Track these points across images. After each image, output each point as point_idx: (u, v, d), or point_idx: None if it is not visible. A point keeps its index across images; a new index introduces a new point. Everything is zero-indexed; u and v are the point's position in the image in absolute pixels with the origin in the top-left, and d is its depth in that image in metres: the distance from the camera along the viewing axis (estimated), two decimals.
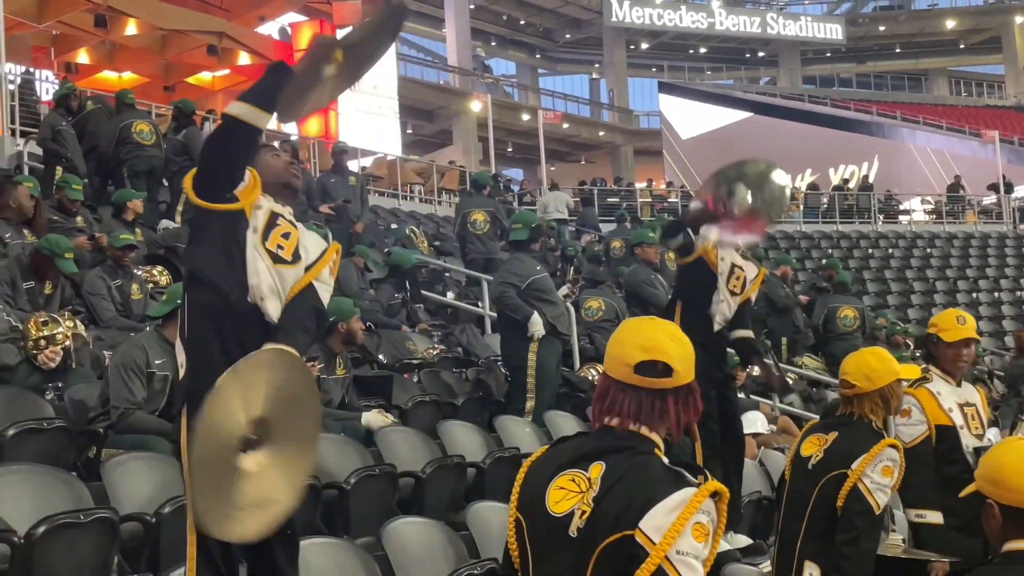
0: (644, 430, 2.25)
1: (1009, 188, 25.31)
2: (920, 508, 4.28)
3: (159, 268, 7.81)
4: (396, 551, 4.26)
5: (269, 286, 3.36)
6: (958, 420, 4.36)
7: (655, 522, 2.09)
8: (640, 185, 26.73)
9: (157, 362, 4.90)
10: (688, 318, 5.37)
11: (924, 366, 4.60)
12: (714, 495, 2.12)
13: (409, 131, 34.73)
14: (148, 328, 5.66)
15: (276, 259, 3.40)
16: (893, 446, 3.80)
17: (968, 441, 4.34)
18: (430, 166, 21.56)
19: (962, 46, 45.80)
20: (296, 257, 3.46)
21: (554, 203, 16.81)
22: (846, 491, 3.72)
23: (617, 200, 22.29)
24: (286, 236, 3.45)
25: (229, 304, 3.30)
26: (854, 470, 3.72)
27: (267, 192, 3.49)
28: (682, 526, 2.07)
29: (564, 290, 10.83)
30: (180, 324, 3.37)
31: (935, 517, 4.23)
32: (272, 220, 3.44)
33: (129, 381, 4.79)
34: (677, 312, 5.63)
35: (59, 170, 9.48)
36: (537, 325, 6.76)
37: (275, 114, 3.39)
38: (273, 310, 3.36)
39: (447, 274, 11.80)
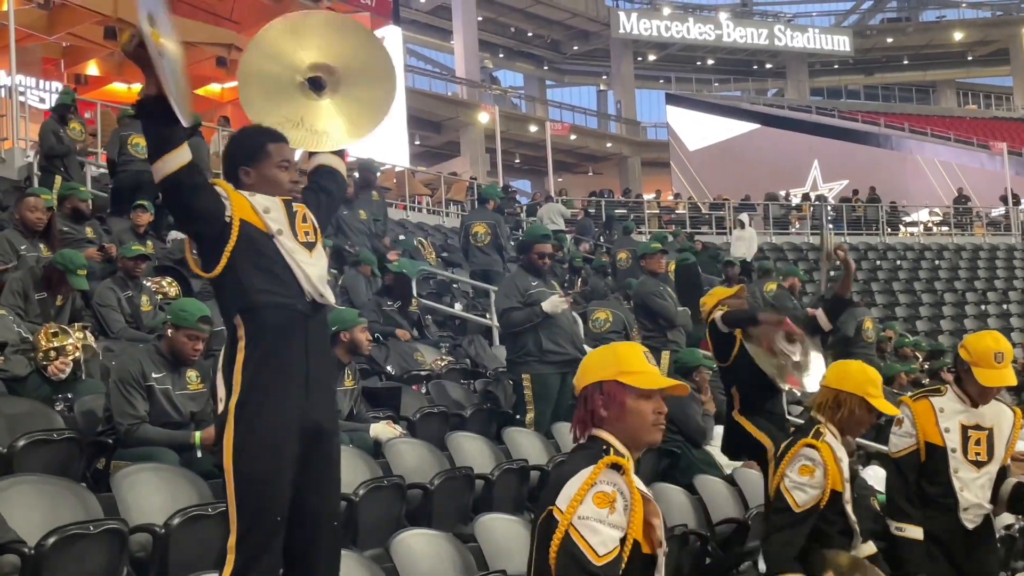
0: (600, 433, 2.58)
1: (1017, 200, 25.28)
2: (899, 521, 4.19)
3: (168, 279, 7.83)
4: (404, 563, 4.25)
5: (319, 276, 3.26)
6: (952, 442, 4.17)
7: (565, 495, 2.39)
8: (648, 196, 26.73)
9: (154, 375, 4.89)
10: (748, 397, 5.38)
11: (938, 378, 4.50)
12: (614, 466, 2.41)
13: (417, 142, 34.81)
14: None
15: (308, 246, 3.28)
16: (811, 445, 3.79)
17: (958, 465, 4.16)
18: (438, 177, 21.61)
19: (970, 58, 45.79)
20: (316, 233, 3.36)
21: (548, 215, 16.87)
22: (773, 490, 3.86)
23: (625, 212, 22.30)
24: (305, 219, 3.32)
25: (292, 317, 3.19)
26: (778, 471, 3.84)
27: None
28: (583, 494, 2.36)
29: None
30: (225, 359, 3.22)
31: (915, 532, 4.13)
32: (290, 211, 3.28)
33: (130, 396, 4.79)
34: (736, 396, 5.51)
35: (58, 180, 9.52)
36: (551, 304, 6.79)
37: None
38: (330, 295, 3.31)
39: (455, 285, 11.83)
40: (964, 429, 4.20)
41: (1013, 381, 4.24)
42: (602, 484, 2.38)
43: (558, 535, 2.34)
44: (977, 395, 4.22)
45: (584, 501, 2.35)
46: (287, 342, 3.17)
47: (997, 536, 5.00)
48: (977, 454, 4.19)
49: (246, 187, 3.29)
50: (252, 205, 3.21)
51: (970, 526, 4.19)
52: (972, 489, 4.17)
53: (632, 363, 2.60)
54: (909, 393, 4.54)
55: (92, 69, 21.54)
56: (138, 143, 9.96)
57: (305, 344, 3.20)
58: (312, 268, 3.24)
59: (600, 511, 2.35)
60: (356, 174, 11.69)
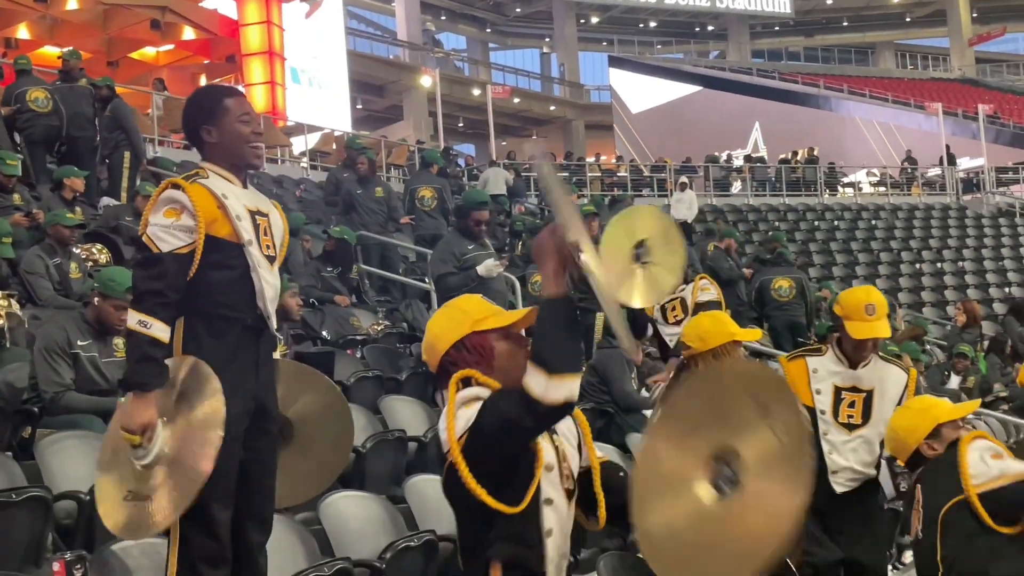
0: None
1: (953, 160, 25.68)
2: None
3: (99, 246, 7.72)
4: (334, 525, 4.29)
5: (271, 296, 3.24)
6: (822, 404, 4.04)
7: (442, 436, 2.40)
8: (589, 160, 26.79)
9: (80, 343, 4.83)
10: None
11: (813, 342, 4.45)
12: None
13: (359, 106, 34.51)
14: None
15: (269, 259, 3.25)
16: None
17: (827, 428, 4.02)
18: (379, 142, 21.46)
19: (908, 19, 46.27)
20: (274, 246, 3.31)
21: (493, 178, 16.86)
22: None
23: (567, 175, 22.34)
24: (266, 232, 3.26)
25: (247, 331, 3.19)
26: None
27: (220, 164, 3.23)
28: (452, 415, 2.38)
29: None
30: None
31: None
32: (255, 221, 3.21)
33: (54, 363, 4.73)
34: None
35: None
36: (485, 268, 6.85)
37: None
38: (273, 316, 3.27)
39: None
40: (838, 391, 4.09)
41: (886, 333, 4.15)
42: (463, 402, 2.42)
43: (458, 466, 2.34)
44: (851, 351, 4.13)
45: (457, 417, 2.38)
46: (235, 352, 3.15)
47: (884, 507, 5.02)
48: (850, 416, 4.07)
49: (209, 147, 3.24)
50: (217, 217, 3.11)
51: (839, 489, 4.06)
52: (842, 453, 4.06)
53: (480, 310, 2.58)
54: (786, 355, 4.41)
55: (23, 32, 21.06)
56: (37, 97, 9.82)
57: (257, 356, 3.21)
58: (268, 288, 3.21)
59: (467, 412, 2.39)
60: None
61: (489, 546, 2.39)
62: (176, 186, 3.13)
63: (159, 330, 2.99)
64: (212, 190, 3.13)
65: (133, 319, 3.00)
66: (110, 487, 3.11)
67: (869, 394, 4.12)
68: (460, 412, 2.40)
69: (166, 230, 3.06)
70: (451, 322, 2.57)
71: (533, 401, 2.26)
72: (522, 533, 2.39)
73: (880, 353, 4.31)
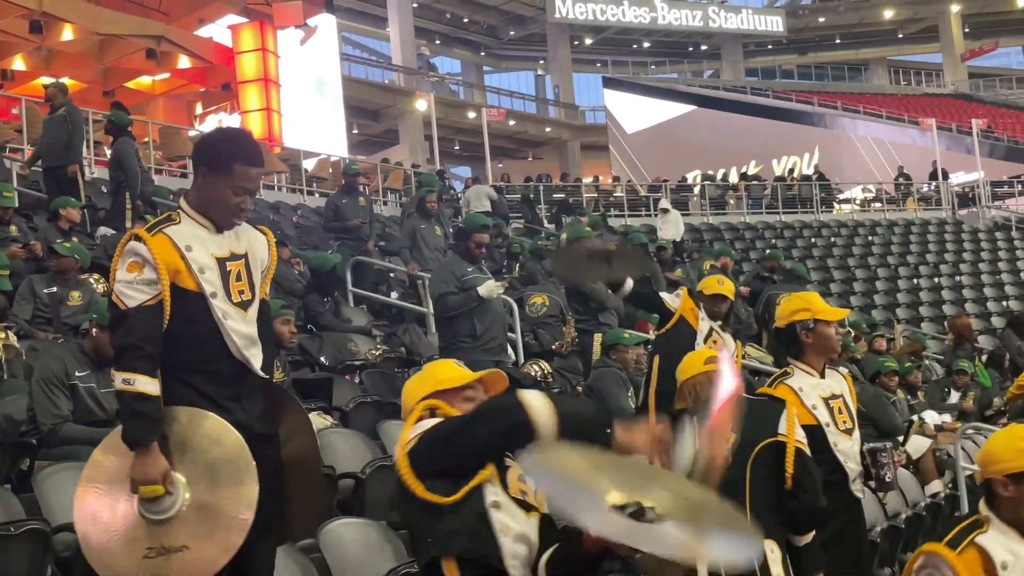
0: None
1: (945, 175, 25.74)
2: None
3: (96, 276, 7.73)
4: (334, 553, 4.28)
5: (244, 344, 3.17)
6: (823, 417, 4.02)
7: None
8: (586, 181, 26.85)
9: (78, 374, 4.83)
10: (665, 370, 5.31)
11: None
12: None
13: (355, 131, 34.60)
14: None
15: (241, 306, 3.20)
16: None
17: (836, 439, 4.02)
18: (374, 166, 21.53)
19: (900, 36, 46.49)
20: (252, 287, 3.26)
21: (476, 197, 16.88)
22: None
23: (563, 196, 22.39)
24: (239, 278, 3.22)
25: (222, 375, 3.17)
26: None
27: (197, 207, 3.19)
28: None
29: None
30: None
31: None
32: (223, 269, 3.17)
33: (52, 395, 4.73)
34: (655, 365, 5.78)
35: None
36: (487, 289, 6.86)
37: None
38: (256, 359, 3.21)
39: (391, 274, 11.82)
40: (825, 402, 4.07)
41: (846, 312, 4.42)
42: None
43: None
44: (828, 349, 4.13)
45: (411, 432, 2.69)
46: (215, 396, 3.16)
47: (880, 528, 5.03)
48: (844, 422, 4.08)
49: (198, 185, 3.22)
50: (182, 268, 3.10)
51: (859, 495, 4.10)
52: (852, 458, 4.07)
53: (446, 373, 2.82)
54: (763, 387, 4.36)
55: (18, 64, 21.13)
56: None
57: (237, 395, 3.18)
58: (239, 338, 3.17)
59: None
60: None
61: (435, 546, 2.47)
62: (138, 238, 3.10)
63: (143, 383, 2.98)
64: (175, 241, 3.11)
65: (118, 380, 3.01)
66: (120, 554, 3.05)
67: (843, 398, 4.15)
68: (413, 429, 2.60)
69: (130, 286, 3.05)
70: (421, 382, 2.82)
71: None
72: (471, 528, 2.45)
73: None
